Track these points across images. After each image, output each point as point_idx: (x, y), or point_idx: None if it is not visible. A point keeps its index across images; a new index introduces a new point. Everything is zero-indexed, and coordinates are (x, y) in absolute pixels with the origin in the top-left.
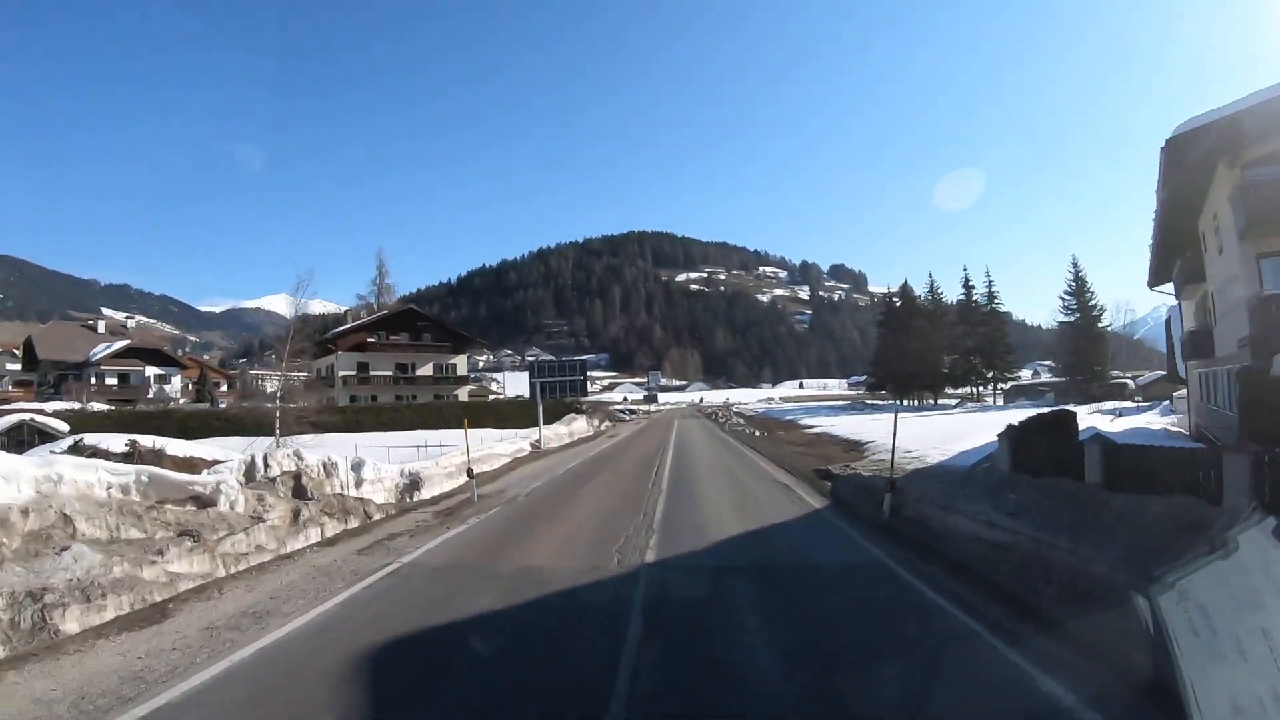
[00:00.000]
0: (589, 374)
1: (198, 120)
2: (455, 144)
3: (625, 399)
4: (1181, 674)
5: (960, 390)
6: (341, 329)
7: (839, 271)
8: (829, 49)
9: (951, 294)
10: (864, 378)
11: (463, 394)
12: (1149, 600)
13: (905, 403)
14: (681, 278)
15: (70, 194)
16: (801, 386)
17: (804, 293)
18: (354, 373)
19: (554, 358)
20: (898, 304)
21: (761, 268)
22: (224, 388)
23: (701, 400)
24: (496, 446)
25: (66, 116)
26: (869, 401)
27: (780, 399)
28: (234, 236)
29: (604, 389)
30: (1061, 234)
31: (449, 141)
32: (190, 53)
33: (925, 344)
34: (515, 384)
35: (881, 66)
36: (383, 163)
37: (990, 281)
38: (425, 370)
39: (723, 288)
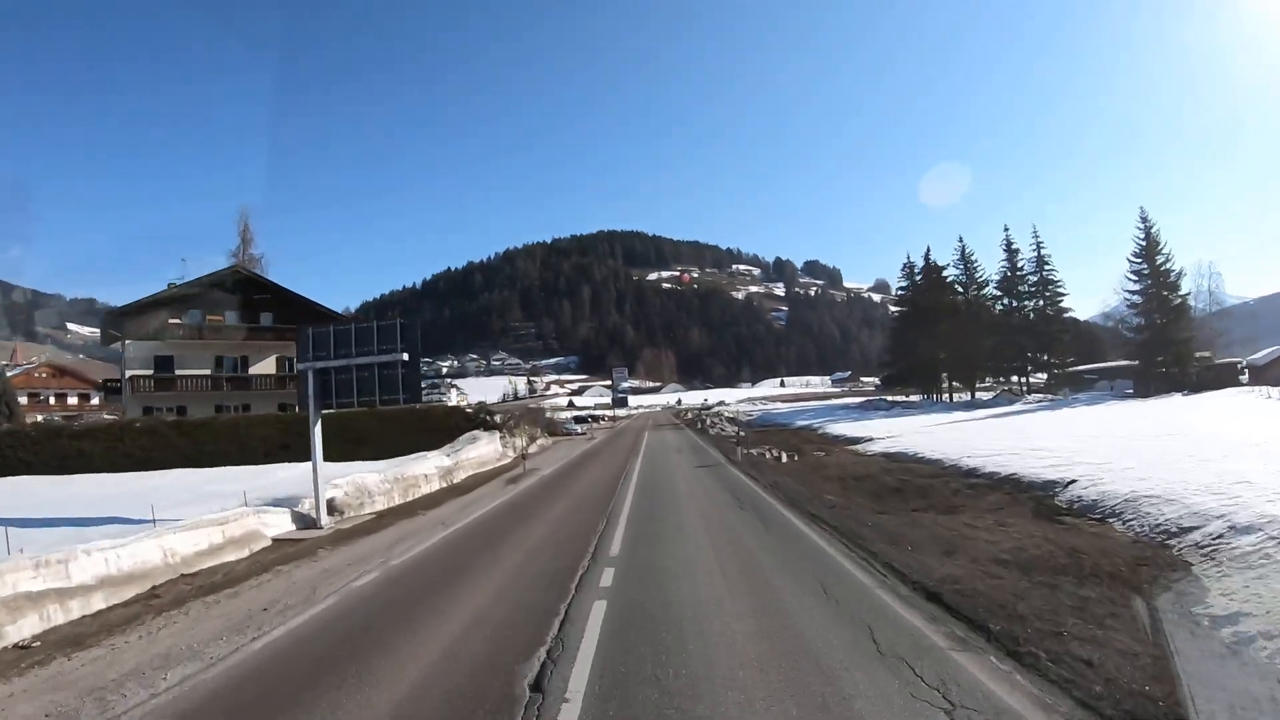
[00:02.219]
0: (547, 371)
1: (166, 132)
2: (421, 147)
3: (570, 403)
4: (1179, 674)
5: (1005, 381)
6: (129, 304)
7: (814, 268)
8: (799, 50)
9: (988, 264)
10: (848, 373)
11: None
12: (1147, 602)
13: (935, 398)
14: (654, 276)
15: (40, 206)
16: (783, 385)
17: (779, 289)
18: (149, 372)
19: (357, 324)
20: (920, 280)
21: (735, 265)
22: (95, 400)
23: (680, 402)
24: (101, 564)
25: (36, 119)
26: (891, 399)
27: (765, 399)
28: (208, 251)
29: (573, 393)
30: (1059, 229)
31: (415, 145)
32: (151, 63)
33: (958, 325)
34: (480, 391)
35: (859, 65)
36: (350, 168)
37: (1039, 243)
38: (265, 367)
39: (697, 286)
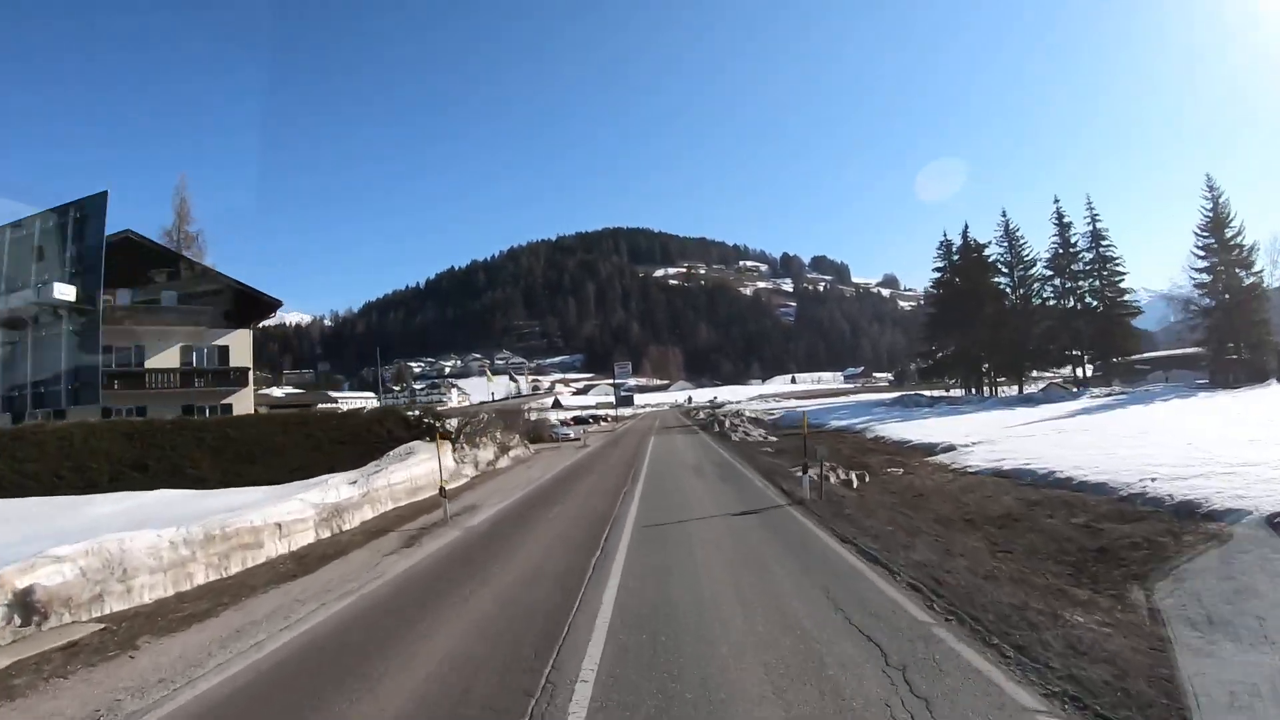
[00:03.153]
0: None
1: (177, 134)
2: (424, 146)
3: (556, 402)
4: (1178, 662)
5: (1055, 372)
6: None
7: (821, 263)
8: (804, 47)
9: (1035, 240)
10: (860, 369)
11: (242, 401)
12: (1146, 590)
13: (979, 392)
14: (659, 273)
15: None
16: (794, 381)
17: (787, 285)
18: None
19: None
20: (958, 260)
21: (742, 261)
22: None
23: (690, 400)
24: None
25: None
26: (931, 394)
27: (778, 395)
28: (213, 251)
29: (576, 393)
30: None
31: (422, 145)
32: (174, 73)
33: (1002, 310)
34: (482, 390)
35: (863, 61)
36: (361, 171)
37: (1094, 216)
38: (165, 359)
39: (703, 282)
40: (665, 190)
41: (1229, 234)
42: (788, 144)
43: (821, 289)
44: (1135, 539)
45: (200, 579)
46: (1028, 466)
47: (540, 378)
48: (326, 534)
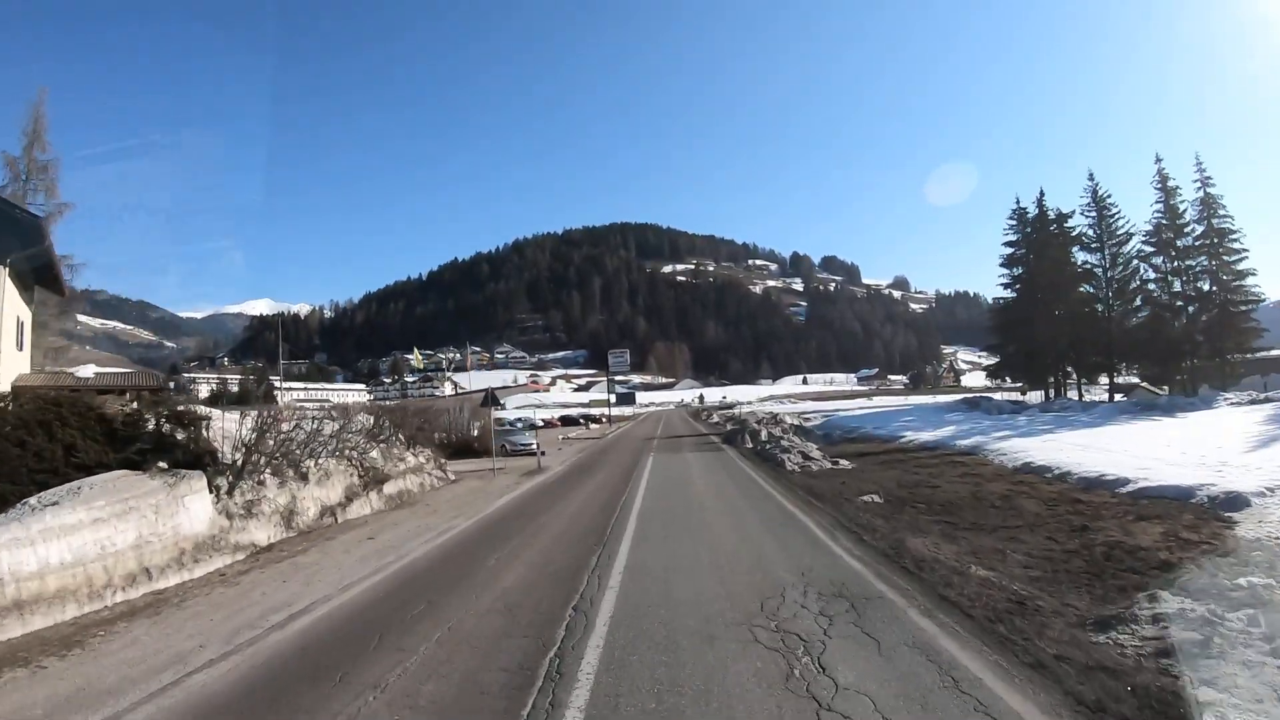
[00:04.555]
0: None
1: (184, 124)
2: (433, 138)
3: (491, 397)
4: (1184, 672)
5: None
6: None
7: (831, 264)
8: (812, 40)
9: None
10: (874, 371)
11: (5, 371)
12: (1152, 598)
13: (1056, 395)
14: (667, 269)
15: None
16: (805, 382)
17: (797, 284)
18: None
19: None
20: (1032, 234)
21: (751, 260)
22: None
23: (700, 400)
24: None
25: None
26: (1010, 399)
27: (790, 397)
28: (221, 242)
29: (577, 390)
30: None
31: (426, 136)
32: (180, 59)
33: (1088, 295)
34: (479, 385)
35: (867, 56)
36: (367, 161)
37: (1206, 179)
38: None
39: (712, 279)
40: (674, 186)
41: None
42: (797, 143)
43: (832, 289)
44: None
45: None
46: None
47: (540, 372)
48: None
